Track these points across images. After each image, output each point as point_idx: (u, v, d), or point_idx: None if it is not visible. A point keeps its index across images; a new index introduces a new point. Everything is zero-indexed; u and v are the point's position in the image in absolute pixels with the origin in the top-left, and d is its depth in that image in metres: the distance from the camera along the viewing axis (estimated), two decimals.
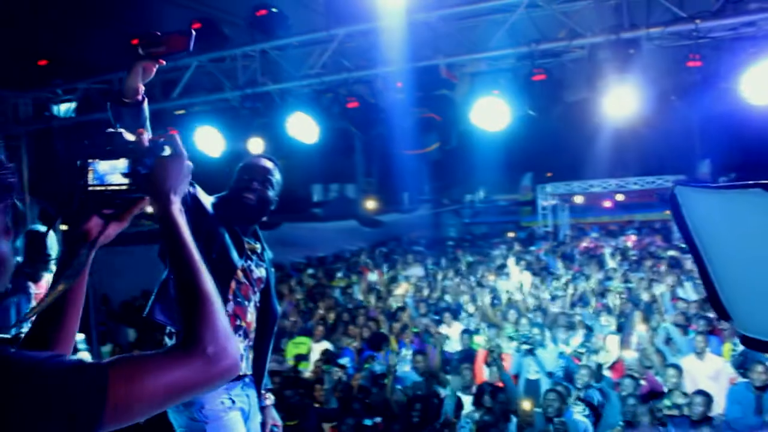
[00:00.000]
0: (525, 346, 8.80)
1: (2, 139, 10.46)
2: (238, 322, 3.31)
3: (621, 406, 7.20)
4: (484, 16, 8.04)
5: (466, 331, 10.18)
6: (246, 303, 3.38)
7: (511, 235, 26.96)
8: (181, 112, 9.91)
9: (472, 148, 21.60)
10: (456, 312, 11.50)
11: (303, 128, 8.47)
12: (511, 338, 9.57)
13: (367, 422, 7.39)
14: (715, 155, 26.01)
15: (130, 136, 1.53)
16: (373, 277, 16.76)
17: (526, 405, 7.17)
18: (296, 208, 26.82)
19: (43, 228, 5.43)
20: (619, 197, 28.18)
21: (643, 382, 7.80)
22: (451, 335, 10.60)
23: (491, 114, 7.79)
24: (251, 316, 3.41)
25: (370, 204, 28.65)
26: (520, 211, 30.00)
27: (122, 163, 1.50)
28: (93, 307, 8.48)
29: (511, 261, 15.67)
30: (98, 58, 10.73)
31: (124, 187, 1.51)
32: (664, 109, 8.19)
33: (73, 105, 10.49)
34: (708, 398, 6.69)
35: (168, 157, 1.53)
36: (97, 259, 1.60)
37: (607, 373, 8.48)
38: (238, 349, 1.41)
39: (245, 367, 3.37)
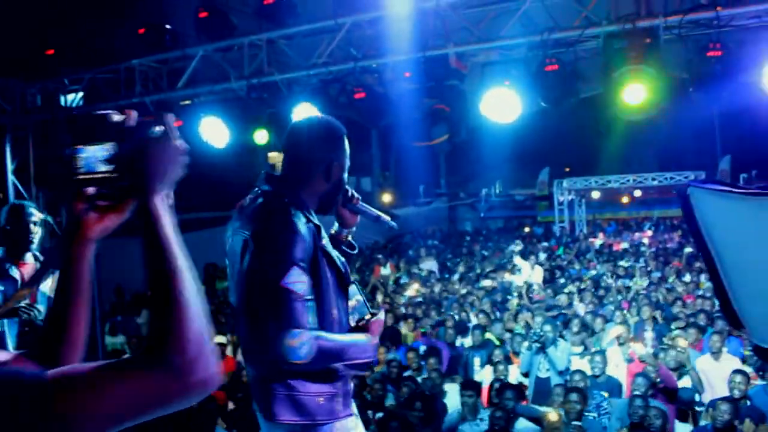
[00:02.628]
0: (536, 344, 8.59)
1: (9, 130, 10.40)
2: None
3: (628, 407, 6.93)
4: (495, 5, 7.80)
5: (477, 327, 9.99)
6: None
7: (526, 230, 26.74)
8: (187, 102, 9.77)
9: (487, 140, 21.41)
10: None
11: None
12: (522, 336, 9.37)
13: None
14: (736, 151, 25.56)
15: (118, 117, 1.35)
16: (385, 271, 16.62)
17: (553, 416, 6.82)
18: None
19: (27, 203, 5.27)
20: (637, 193, 27.83)
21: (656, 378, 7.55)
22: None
23: (502, 106, 7.54)
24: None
25: (386, 197, 28.49)
26: (537, 205, 29.72)
27: (108, 148, 1.33)
28: (98, 299, 8.34)
29: (518, 259, 15.44)
30: (105, 47, 10.64)
31: (110, 174, 1.34)
32: (683, 102, 7.90)
33: (80, 94, 10.39)
34: (735, 406, 6.35)
35: (152, 139, 1.32)
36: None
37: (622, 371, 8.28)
38: (212, 362, 1.21)
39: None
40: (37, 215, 4.94)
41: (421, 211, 28.89)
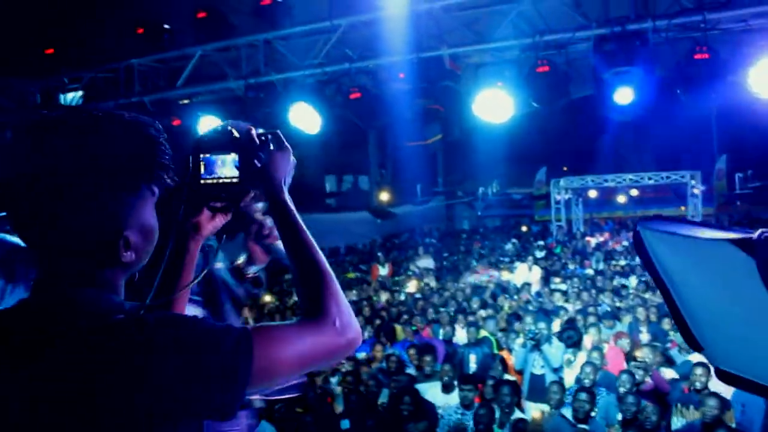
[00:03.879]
0: (531, 342, 8.68)
1: (8, 128, 10.51)
2: None
3: (619, 404, 7.01)
4: (488, 7, 7.90)
5: (471, 324, 10.10)
6: None
7: (523, 229, 26.83)
8: (186, 101, 9.88)
9: (484, 139, 21.47)
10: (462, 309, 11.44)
11: (305, 119, 8.38)
12: (517, 333, 9.47)
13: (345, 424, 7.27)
14: (732, 150, 25.70)
15: (237, 132, 1.58)
16: (383, 271, 16.72)
17: (536, 414, 6.88)
18: (309, 199, 26.89)
19: None
20: (634, 192, 27.93)
21: (648, 380, 7.63)
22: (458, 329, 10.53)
23: (494, 106, 7.66)
24: None
25: (384, 195, 28.58)
26: (534, 204, 29.80)
27: (233, 157, 1.57)
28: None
29: (520, 264, 15.54)
30: (104, 46, 10.73)
31: (235, 180, 1.57)
32: (679, 102, 8.01)
33: (80, 93, 10.47)
34: (722, 402, 6.40)
35: (278, 151, 1.61)
36: None
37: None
38: (357, 325, 1.51)
39: None
40: None
41: (418, 209, 28.96)
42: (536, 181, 28.78)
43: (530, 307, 11.21)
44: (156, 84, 9.92)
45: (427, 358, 8.53)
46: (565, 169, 28.56)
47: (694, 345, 1.90)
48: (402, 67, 8.05)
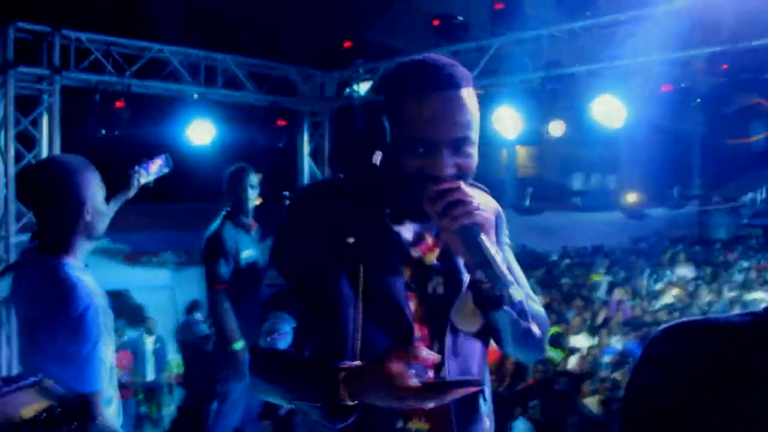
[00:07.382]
0: None
1: (310, 115, 11.36)
2: None
3: None
4: None
5: None
6: None
7: None
8: (479, 91, 10.00)
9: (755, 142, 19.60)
10: None
11: (609, 112, 8.08)
12: None
13: None
14: None
15: None
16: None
17: None
18: (555, 196, 26.46)
19: None
20: None
21: None
22: None
23: None
24: None
25: (632, 196, 27.26)
26: None
27: None
28: None
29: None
30: (397, 41, 11.24)
31: None
32: None
33: (371, 84, 11.01)
34: None
35: None
36: None
37: None
38: None
39: None
40: (254, 179, 5.24)
41: (672, 213, 27.20)
42: None
43: None
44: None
45: None
46: None
47: None
48: (724, 58, 7.40)
